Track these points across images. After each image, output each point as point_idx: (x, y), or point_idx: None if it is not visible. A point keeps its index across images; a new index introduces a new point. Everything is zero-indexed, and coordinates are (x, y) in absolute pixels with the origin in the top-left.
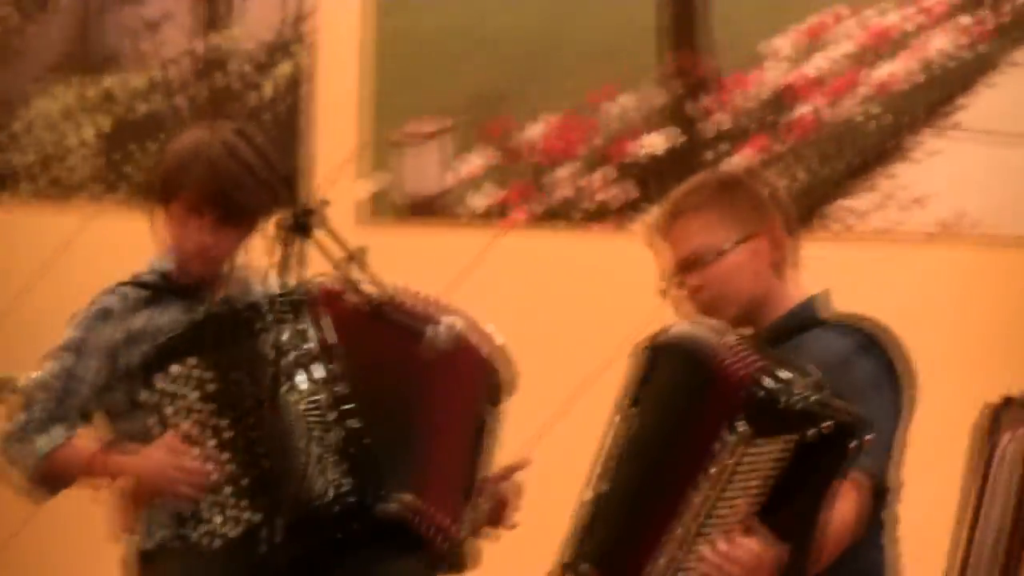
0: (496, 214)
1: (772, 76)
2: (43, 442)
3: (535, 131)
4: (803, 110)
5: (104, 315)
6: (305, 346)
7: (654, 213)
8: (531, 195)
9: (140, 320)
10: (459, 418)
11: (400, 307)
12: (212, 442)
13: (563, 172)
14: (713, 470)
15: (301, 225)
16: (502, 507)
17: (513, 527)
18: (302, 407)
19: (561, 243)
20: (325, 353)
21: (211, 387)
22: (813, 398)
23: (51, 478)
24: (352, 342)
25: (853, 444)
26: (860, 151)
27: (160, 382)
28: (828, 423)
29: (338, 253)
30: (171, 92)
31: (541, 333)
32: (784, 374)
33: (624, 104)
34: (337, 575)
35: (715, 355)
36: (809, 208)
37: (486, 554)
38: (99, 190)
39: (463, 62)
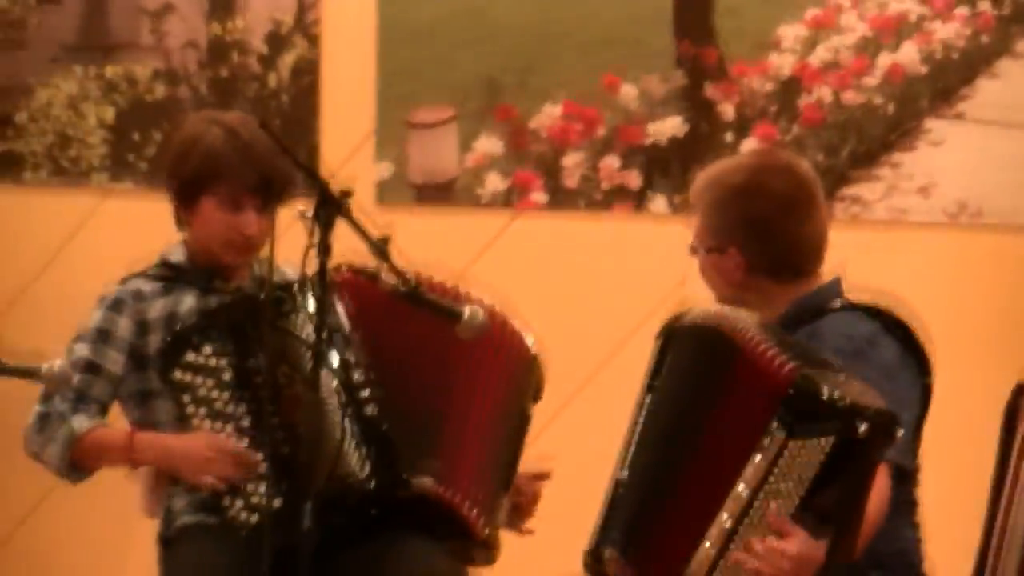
0: (504, 201)
1: (778, 65)
2: (74, 426)
3: (542, 119)
4: (809, 99)
5: (119, 306)
6: (333, 330)
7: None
8: (539, 182)
9: (155, 310)
10: (496, 406)
11: (434, 290)
12: (230, 428)
13: (570, 160)
14: (760, 463)
15: (329, 212)
16: (521, 512)
17: (529, 533)
18: (331, 389)
19: (575, 227)
20: (352, 336)
21: (227, 375)
22: (853, 397)
23: (81, 462)
24: (386, 325)
25: (888, 438)
26: (865, 140)
27: (177, 371)
28: (868, 422)
29: (361, 241)
30: (176, 81)
31: (557, 316)
32: (823, 371)
33: (629, 92)
34: (357, 560)
35: (750, 345)
36: None
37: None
38: (104, 178)
39: (468, 49)
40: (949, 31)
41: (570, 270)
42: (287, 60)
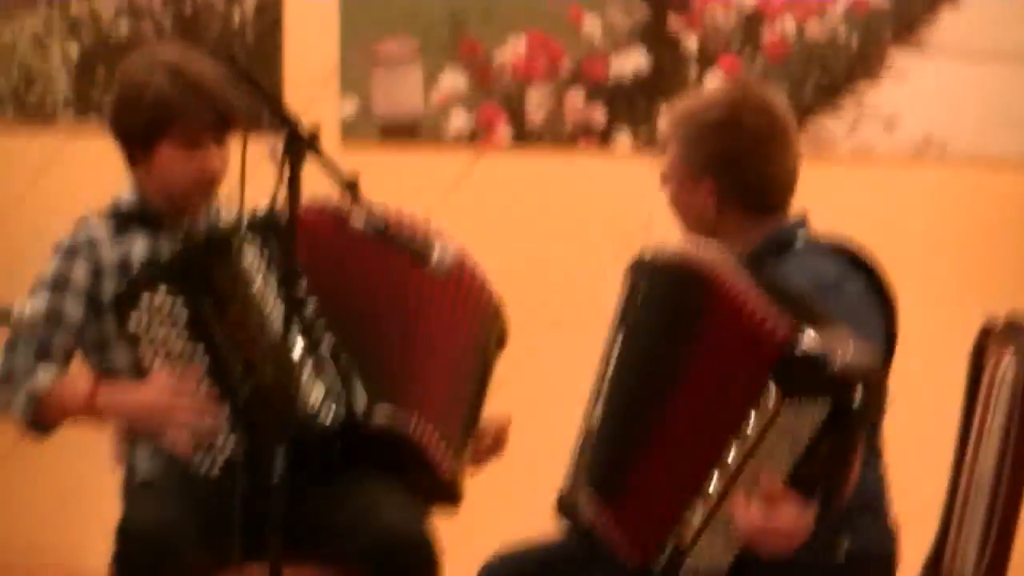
0: (469, 138)
1: None
2: (35, 383)
3: (506, 53)
4: (772, 32)
5: (73, 253)
6: (287, 265)
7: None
8: (504, 118)
9: (109, 255)
10: (461, 346)
11: (403, 230)
12: (192, 369)
13: (535, 94)
14: (755, 423)
15: (299, 150)
16: (483, 454)
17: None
18: (284, 324)
19: (541, 165)
20: (304, 271)
21: (184, 315)
22: (849, 359)
23: (46, 419)
24: (348, 264)
25: (881, 400)
26: (828, 73)
27: (134, 315)
28: (866, 388)
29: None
30: (139, 17)
31: (522, 255)
32: (819, 326)
33: (594, 24)
34: (318, 504)
35: (731, 288)
36: None
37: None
38: (70, 116)
39: None
40: None
41: (536, 208)
42: None
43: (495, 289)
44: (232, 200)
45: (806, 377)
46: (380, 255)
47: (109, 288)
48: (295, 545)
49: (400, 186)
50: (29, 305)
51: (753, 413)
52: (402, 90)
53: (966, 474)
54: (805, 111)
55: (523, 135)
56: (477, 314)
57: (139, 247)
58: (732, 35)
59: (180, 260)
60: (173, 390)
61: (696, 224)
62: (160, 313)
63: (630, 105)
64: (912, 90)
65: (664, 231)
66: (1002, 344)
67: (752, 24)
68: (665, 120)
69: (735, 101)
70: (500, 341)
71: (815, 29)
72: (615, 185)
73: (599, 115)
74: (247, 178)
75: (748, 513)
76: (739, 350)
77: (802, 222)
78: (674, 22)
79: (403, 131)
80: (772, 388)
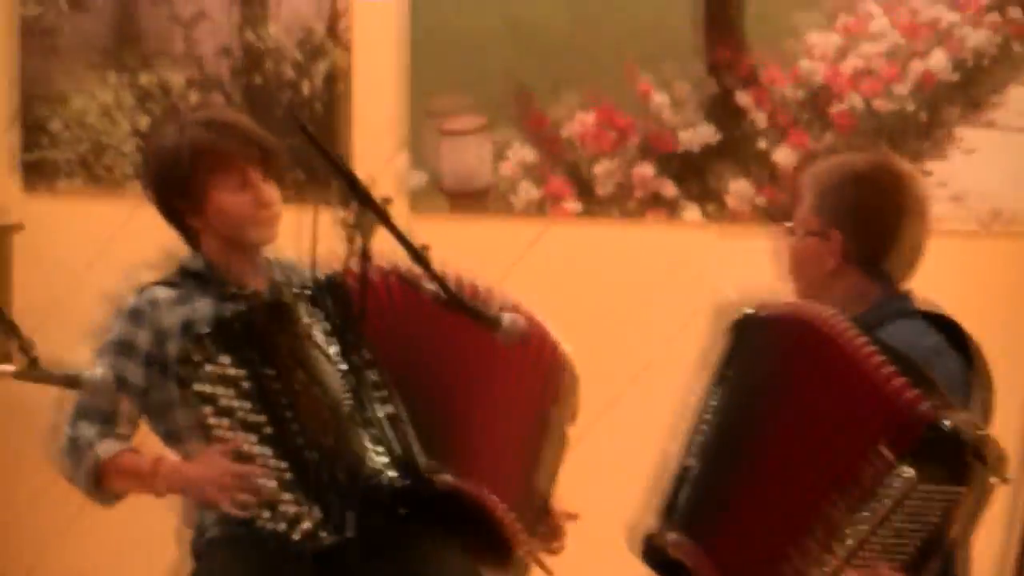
0: (537, 209)
1: (809, 72)
2: (98, 454)
3: (574, 127)
4: (840, 107)
5: (137, 317)
6: (350, 331)
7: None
8: (572, 190)
9: (171, 318)
10: (529, 416)
11: (472, 297)
12: (253, 438)
13: (602, 168)
14: (883, 500)
15: (370, 219)
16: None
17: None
18: (347, 392)
19: (609, 235)
20: (372, 336)
21: (245, 384)
22: (980, 441)
23: (107, 489)
24: (419, 328)
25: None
26: (896, 148)
27: (196, 383)
28: (995, 473)
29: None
30: (208, 89)
31: (590, 325)
32: (951, 410)
33: (662, 100)
34: (392, 570)
35: (849, 343)
36: None
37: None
38: (138, 186)
39: (500, 57)
40: (980, 38)
41: (604, 279)
42: (320, 68)
43: (568, 359)
44: (301, 265)
45: (945, 459)
46: (448, 322)
47: (173, 351)
48: None
49: (468, 256)
50: (104, 372)
51: (872, 478)
52: (470, 163)
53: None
54: None
55: (591, 207)
56: (547, 384)
57: (203, 309)
58: (800, 110)
59: (242, 327)
60: (225, 465)
61: (809, 284)
62: (222, 380)
63: (699, 178)
64: (980, 165)
65: (732, 301)
66: None
67: (820, 99)
68: (802, 174)
69: (877, 161)
70: (572, 415)
71: (882, 103)
72: (683, 256)
73: (668, 188)
74: (317, 247)
75: None
76: (864, 410)
77: (909, 295)
78: (742, 98)
79: (472, 202)
80: (906, 464)
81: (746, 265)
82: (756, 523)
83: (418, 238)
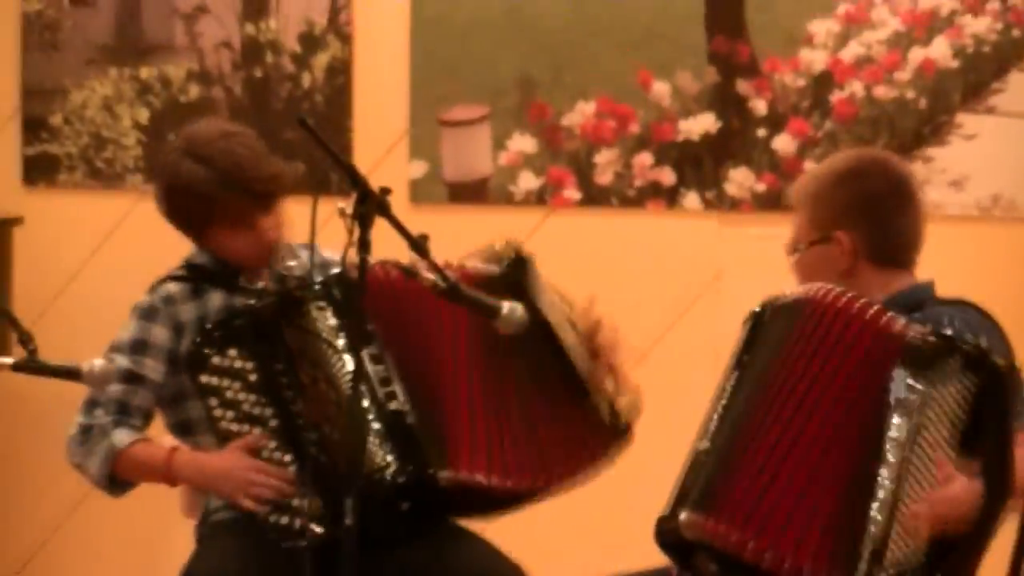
0: (537, 199)
1: (810, 60)
2: (113, 442)
3: (574, 117)
4: (841, 94)
5: (152, 314)
6: (358, 325)
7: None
8: (572, 179)
9: (187, 312)
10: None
11: (472, 287)
12: (258, 431)
13: (603, 157)
14: (896, 431)
15: (369, 210)
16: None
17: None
18: (352, 387)
19: (609, 224)
20: (375, 331)
21: (253, 377)
22: (968, 339)
23: (122, 478)
24: (420, 319)
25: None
26: (897, 135)
27: (204, 375)
28: (996, 361)
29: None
30: (210, 82)
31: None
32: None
33: (662, 89)
34: (409, 563)
35: (856, 306)
36: None
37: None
38: (139, 180)
39: (501, 47)
40: (980, 25)
41: (604, 267)
42: (321, 60)
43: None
44: (304, 255)
45: (938, 357)
46: (449, 311)
47: (186, 346)
48: None
49: (469, 246)
50: (105, 364)
51: (893, 403)
52: (471, 153)
53: None
54: None
55: (591, 196)
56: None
57: (215, 304)
58: (801, 98)
59: (251, 320)
60: (248, 461)
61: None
62: (230, 374)
63: (698, 166)
64: (981, 151)
65: (732, 289)
66: None
67: (820, 87)
68: (790, 193)
69: (859, 157)
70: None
71: (884, 92)
72: (683, 244)
73: (667, 176)
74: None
75: (922, 504)
76: (864, 351)
77: (930, 285)
78: (742, 86)
79: (472, 192)
80: (903, 376)
81: (747, 253)
82: (778, 491)
83: (418, 228)
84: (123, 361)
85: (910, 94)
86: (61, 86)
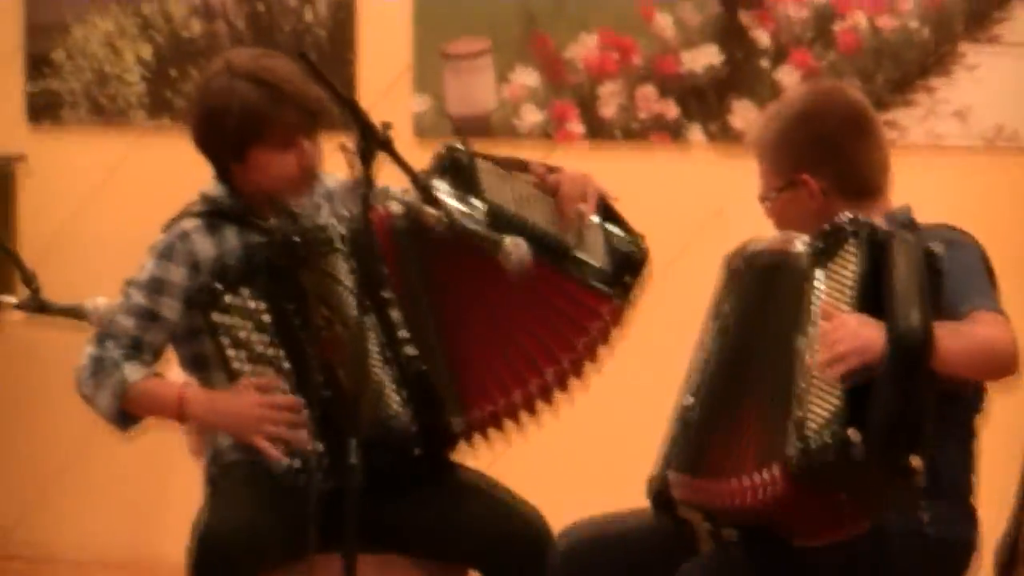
0: (542, 133)
1: None
2: (124, 375)
3: (576, 49)
4: (844, 25)
5: (170, 253)
6: (372, 269)
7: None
8: (576, 113)
9: (205, 250)
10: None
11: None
12: (270, 372)
13: (606, 90)
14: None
15: (371, 146)
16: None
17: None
18: (369, 330)
19: (613, 158)
20: (388, 274)
21: (266, 317)
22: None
23: (130, 413)
24: (428, 261)
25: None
26: (901, 66)
27: (216, 313)
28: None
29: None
30: (212, 17)
31: None
32: None
33: (664, 20)
34: (423, 509)
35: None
36: None
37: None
38: (142, 116)
39: None
40: None
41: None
42: None
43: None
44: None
45: (832, 240)
46: (453, 250)
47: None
48: (404, 545)
49: None
50: (125, 299)
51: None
52: (474, 88)
53: None
54: (877, 104)
55: (595, 130)
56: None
57: (232, 241)
58: (804, 30)
59: (265, 260)
60: (263, 401)
61: (805, 228)
62: (243, 311)
63: (702, 100)
64: (984, 82)
65: (736, 223)
66: None
67: (824, 18)
68: (749, 137)
69: (809, 94)
70: None
71: (887, 23)
72: (687, 178)
73: (671, 110)
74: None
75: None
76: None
77: (907, 210)
78: (745, 18)
79: (476, 127)
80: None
81: (750, 186)
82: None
83: (423, 163)
84: (140, 298)
85: (913, 24)
86: (63, 22)
